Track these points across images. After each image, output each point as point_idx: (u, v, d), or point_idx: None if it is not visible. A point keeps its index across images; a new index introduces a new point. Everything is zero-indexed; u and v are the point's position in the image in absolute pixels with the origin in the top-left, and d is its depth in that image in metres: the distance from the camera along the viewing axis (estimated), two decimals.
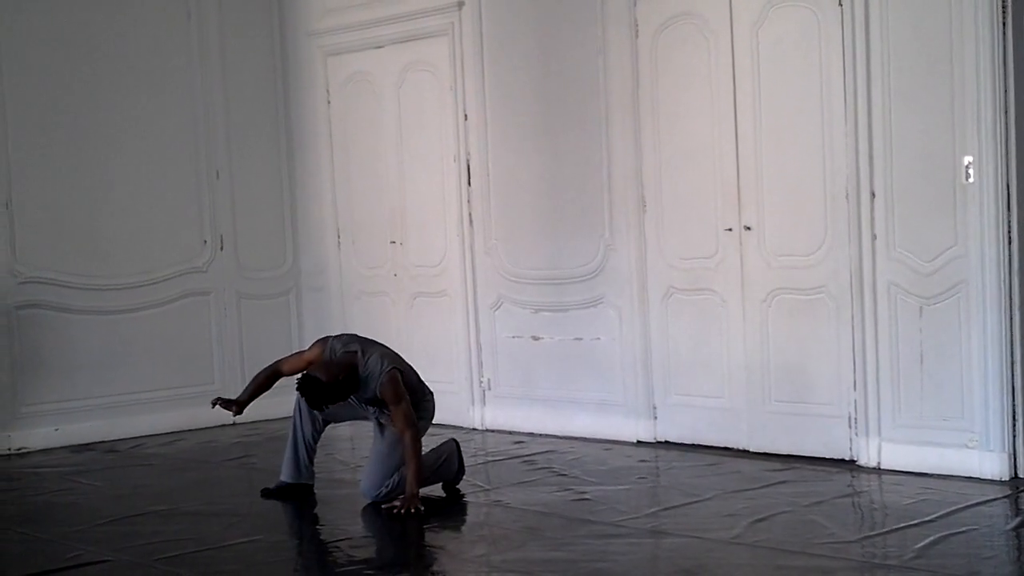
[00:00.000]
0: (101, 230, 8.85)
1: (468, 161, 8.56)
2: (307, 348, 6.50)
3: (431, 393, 6.47)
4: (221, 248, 9.41)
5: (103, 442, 8.59)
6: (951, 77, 6.23)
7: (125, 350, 8.91)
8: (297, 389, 6.05)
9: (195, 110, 9.28)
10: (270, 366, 6.47)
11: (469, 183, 8.57)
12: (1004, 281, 6.15)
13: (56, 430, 8.52)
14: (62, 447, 8.43)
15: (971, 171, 6.17)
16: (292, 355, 6.58)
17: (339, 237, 9.55)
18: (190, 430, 8.92)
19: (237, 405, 6.37)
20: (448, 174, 8.70)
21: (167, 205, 9.15)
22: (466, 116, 8.54)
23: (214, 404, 6.41)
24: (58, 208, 8.65)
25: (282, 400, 6.45)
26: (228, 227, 9.43)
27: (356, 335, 6.50)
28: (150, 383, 8.99)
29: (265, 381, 6.44)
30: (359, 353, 6.16)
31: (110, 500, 6.72)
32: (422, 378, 6.46)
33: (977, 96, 6.13)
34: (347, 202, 9.47)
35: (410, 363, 6.44)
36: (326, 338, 6.41)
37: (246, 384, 6.62)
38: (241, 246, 9.50)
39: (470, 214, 8.59)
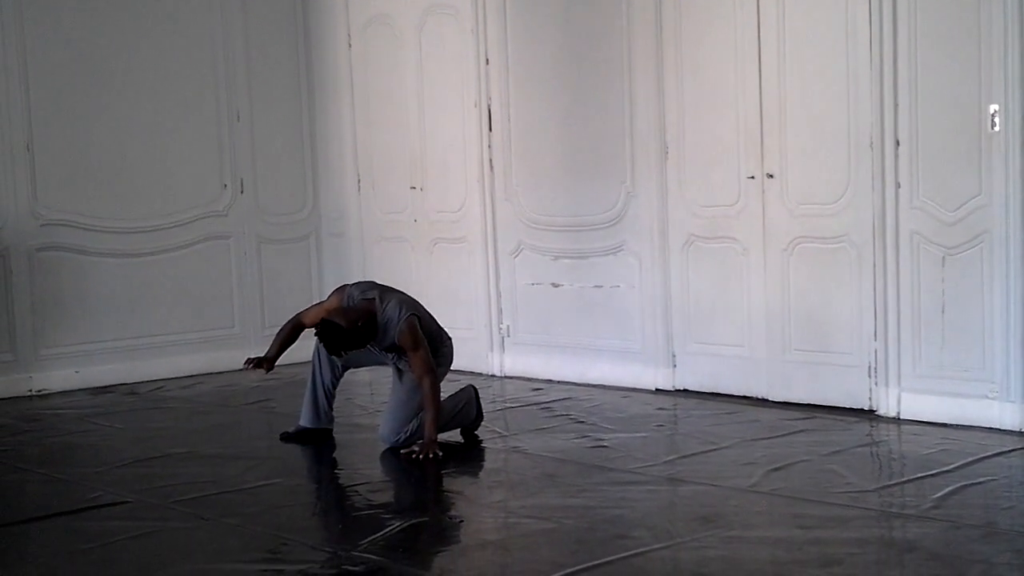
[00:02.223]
0: (121, 173, 8.85)
1: (489, 106, 8.51)
2: (326, 298, 6.48)
3: (449, 339, 6.47)
4: (241, 192, 9.40)
5: (123, 384, 8.64)
6: (978, 24, 6.14)
7: (145, 293, 8.94)
8: (316, 335, 6.05)
9: (215, 52, 9.24)
10: (292, 319, 6.45)
11: (490, 128, 8.53)
12: None
13: (76, 372, 8.56)
14: (82, 389, 8.48)
15: (997, 120, 6.10)
16: (312, 306, 6.57)
17: (359, 182, 9.52)
18: (210, 373, 8.96)
19: (267, 362, 6.37)
20: (469, 119, 8.65)
21: (187, 148, 9.14)
22: (488, 61, 8.48)
23: (245, 365, 6.41)
24: (79, 151, 8.65)
25: (302, 344, 6.45)
26: (248, 171, 9.42)
27: (374, 282, 6.49)
28: (170, 326, 9.03)
29: (289, 334, 6.43)
30: (377, 300, 6.15)
31: (130, 442, 6.76)
32: (440, 324, 6.46)
33: (1004, 44, 6.04)
34: (367, 147, 9.43)
35: (428, 309, 6.44)
36: (344, 286, 6.40)
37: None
38: (261, 190, 9.50)
39: (491, 160, 8.55)
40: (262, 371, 6.37)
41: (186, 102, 9.12)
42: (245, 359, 6.49)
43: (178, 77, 9.08)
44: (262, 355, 6.45)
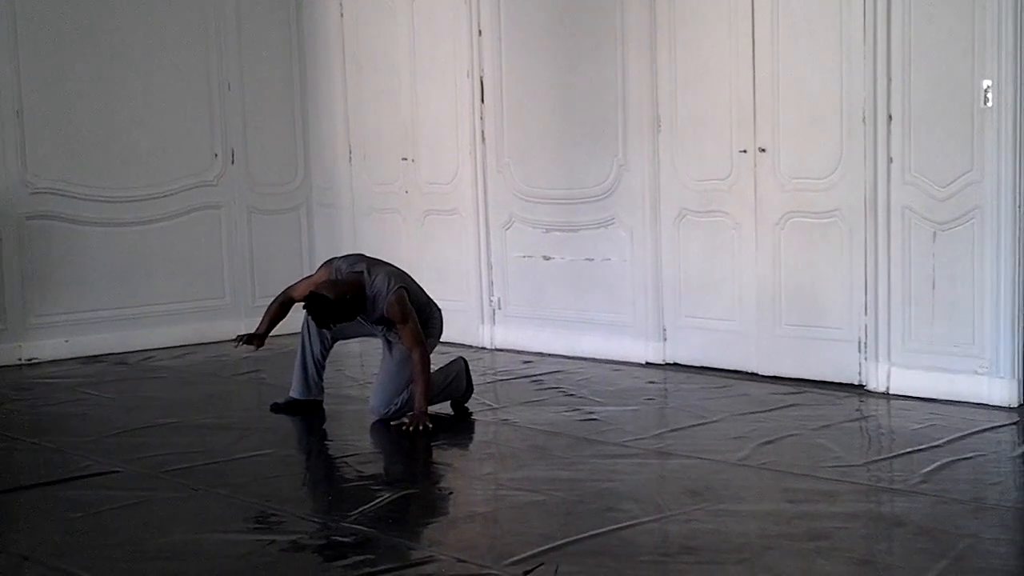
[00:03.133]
0: (112, 142, 8.82)
1: (482, 78, 8.48)
2: (314, 272, 6.46)
3: (439, 310, 6.46)
4: (232, 162, 9.37)
5: (113, 354, 8.63)
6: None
7: (136, 263, 8.93)
8: (304, 309, 6.04)
9: (207, 21, 9.20)
10: (280, 294, 6.42)
11: (482, 100, 8.50)
12: (1019, 208, 6.09)
13: (66, 341, 8.55)
14: (72, 358, 8.48)
15: (990, 95, 6.09)
16: (301, 280, 6.53)
17: (350, 153, 9.50)
18: (200, 344, 8.96)
19: (257, 339, 6.36)
20: (461, 91, 8.62)
21: (178, 117, 9.10)
22: (480, 32, 8.45)
23: (237, 343, 6.40)
24: (69, 119, 8.62)
25: (291, 316, 6.44)
26: (239, 141, 9.39)
27: (362, 255, 6.48)
28: (161, 296, 9.02)
29: (278, 310, 6.41)
30: (365, 272, 6.14)
31: (120, 412, 6.76)
32: (430, 296, 6.45)
33: (998, 19, 6.02)
34: (359, 117, 9.40)
35: (418, 281, 6.43)
36: (332, 259, 6.38)
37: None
38: (252, 160, 9.47)
39: (483, 131, 8.53)
40: (252, 347, 6.37)
41: (177, 71, 9.08)
42: (235, 335, 6.47)
43: (169, 46, 9.03)
44: (252, 331, 6.44)
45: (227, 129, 9.33)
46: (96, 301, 8.73)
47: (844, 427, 5.91)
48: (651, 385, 7.12)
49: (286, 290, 6.43)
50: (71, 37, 8.59)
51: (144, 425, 6.34)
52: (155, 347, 8.85)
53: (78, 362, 8.39)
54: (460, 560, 4.08)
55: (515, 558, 4.04)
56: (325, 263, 6.39)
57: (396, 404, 6.19)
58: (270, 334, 6.42)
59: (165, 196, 9.07)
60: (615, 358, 7.83)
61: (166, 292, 9.05)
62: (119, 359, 8.50)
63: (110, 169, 8.80)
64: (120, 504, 4.86)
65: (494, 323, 8.62)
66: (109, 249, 8.80)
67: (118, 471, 5.38)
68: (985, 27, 6.07)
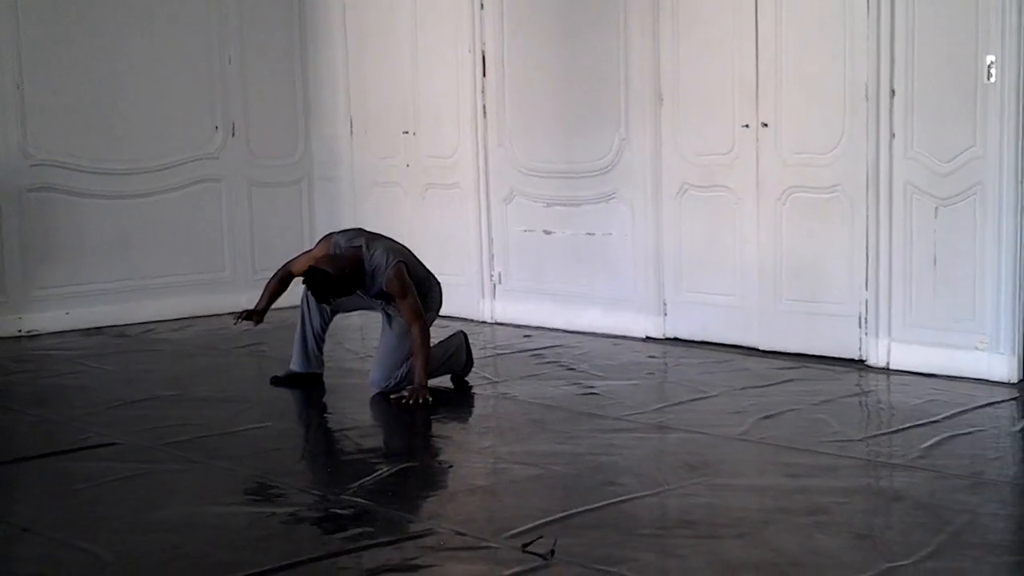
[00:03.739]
0: (113, 114, 8.80)
1: (483, 52, 8.45)
2: (314, 247, 6.44)
3: (438, 284, 6.45)
4: (233, 135, 9.35)
5: (113, 326, 8.64)
6: None
7: (136, 235, 8.92)
8: (303, 283, 6.03)
9: None
10: (280, 269, 6.41)
11: (484, 74, 8.47)
12: (1021, 183, 6.07)
13: (67, 314, 8.55)
14: (72, 330, 8.48)
15: (993, 71, 6.07)
16: (300, 255, 6.50)
17: (351, 126, 9.48)
18: (200, 316, 8.96)
19: (257, 315, 6.37)
20: (463, 65, 8.59)
21: (179, 90, 9.08)
22: (482, 5, 8.42)
23: (236, 320, 6.40)
24: (70, 91, 8.59)
25: (291, 289, 6.44)
26: (240, 114, 9.37)
27: (361, 229, 6.47)
28: (161, 269, 9.02)
29: (278, 285, 6.40)
30: (364, 247, 6.13)
31: (120, 384, 6.76)
32: (429, 269, 6.44)
33: None
34: (360, 91, 9.38)
35: (418, 255, 6.42)
36: (330, 234, 6.37)
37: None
38: (253, 133, 9.45)
39: (484, 106, 8.50)
40: (251, 323, 6.38)
41: (178, 44, 9.05)
42: (234, 314, 6.46)
43: (170, 18, 9.00)
44: (251, 308, 6.44)
45: (228, 102, 9.31)
46: (96, 273, 8.72)
47: (844, 402, 5.92)
48: (651, 359, 7.12)
49: (285, 265, 6.42)
50: (72, 9, 8.56)
51: (144, 397, 6.34)
52: (155, 319, 8.85)
53: (78, 334, 8.39)
54: (459, 533, 4.08)
55: (514, 531, 4.05)
56: (324, 238, 6.38)
57: (396, 377, 6.19)
58: (270, 309, 6.43)
59: (166, 169, 9.05)
60: (615, 332, 7.82)
61: (166, 265, 9.04)
62: (119, 331, 8.51)
63: (111, 141, 8.78)
64: (120, 476, 4.86)
65: (494, 297, 8.61)
66: (109, 221, 8.79)
67: (118, 443, 5.38)
68: (988, 2, 6.04)
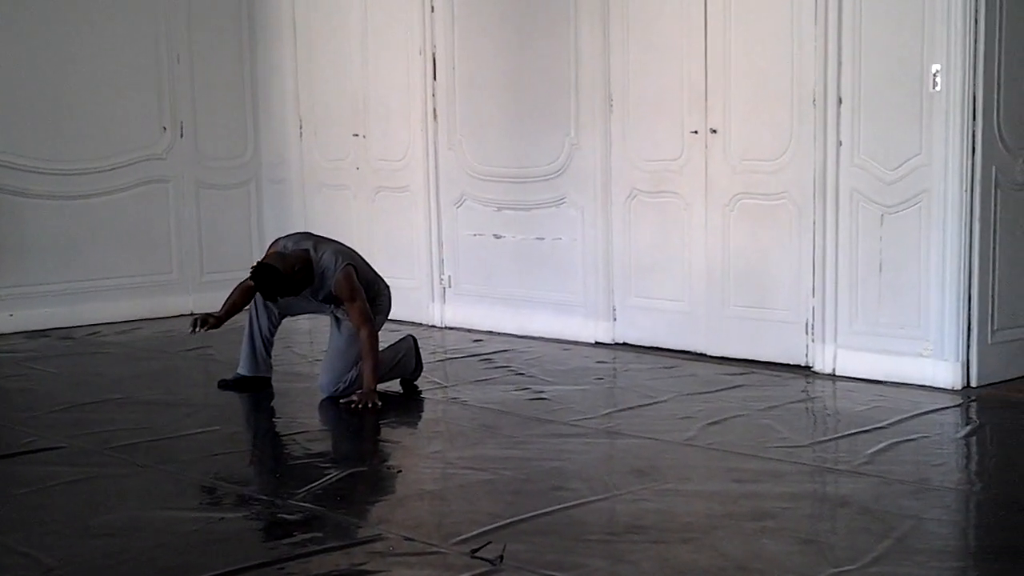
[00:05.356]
0: (59, 113, 8.71)
1: (434, 54, 8.45)
2: (264, 256, 6.39)
3: (387, 288, 6.44)
4: (181, 135, 9.29)
5: (59, 329, 8.55)
6: None
7: (83, 236, 8.84)
8: (251, 279, 5.99)
9: None
10: (241, 283, 6.36)
11: (435, 77, 8.47)
12: (966, 192, 6.15)
13: (11, 315, 8.46)
14: (17, 332, 8.39)
15: (938, 79, 6.14)
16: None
17: (301, 128, 9.44)
18: (147, 319, 8.89)
19: (215, 319, 6.33)
20: (413, 67, 8.58)
21: (126, 89, 9.01)
22: (433, 8, 8.41)
23: (193, 330, 6.33)
24: (16, 90, 8.50)
25: None
26: (188, 114, 9.31)
27: (308, 232, 6.46)
28: (108, 270, 8.94)
29: (240, 297, 6.36)
30: (312, 250, 6.11)
31: (65, 387, 6.69)
32: (378, 272, 6.43)
33: (948, 3, 6.06)
34: (309, 92, 9.34)
35: (367, 258, 6.40)
36: (277, 239, 6.35)
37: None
38: (201, 134, 9.39)
39: (435, 108, 8.50)
40: (204, 330, 6.32)
41: (126, 42, 8.98)
42: (191, 322, 6.38)
43: (118, 17, 8.92)
44: (209, 312, 6.39)
45: (176, 102, 9.25)
46: (42, 275, 8.63)
47: (790, 408, 5.96)
48: (600, 365, 7.14)
49: (245, 280, 6.36)
50: (17, 7, 8.46)
51: (90, 401, 6.29)
52: (102, 322, 8.77)
53: (23, 336, 8.30)
54: (408, 539, 4.08)
55: (463, 536, 4.05)
56: (272, 244, 6.35)
57: (345, 382, 6.17)
58: (229, 319, 6.39)
59: (112, 169, 8.97)
60: (565, 337, 7.84)
61: (113, 266, 8.96)
62: (65, 334, 8.42)
63: (57, 141, 8.69)
64: (65, 480, 4.82)
65: (444, 301, 8.61)
66: (55, 222, 8.70)
67: (63, 447, 5.33)
68: (935, 10, 6.11)
